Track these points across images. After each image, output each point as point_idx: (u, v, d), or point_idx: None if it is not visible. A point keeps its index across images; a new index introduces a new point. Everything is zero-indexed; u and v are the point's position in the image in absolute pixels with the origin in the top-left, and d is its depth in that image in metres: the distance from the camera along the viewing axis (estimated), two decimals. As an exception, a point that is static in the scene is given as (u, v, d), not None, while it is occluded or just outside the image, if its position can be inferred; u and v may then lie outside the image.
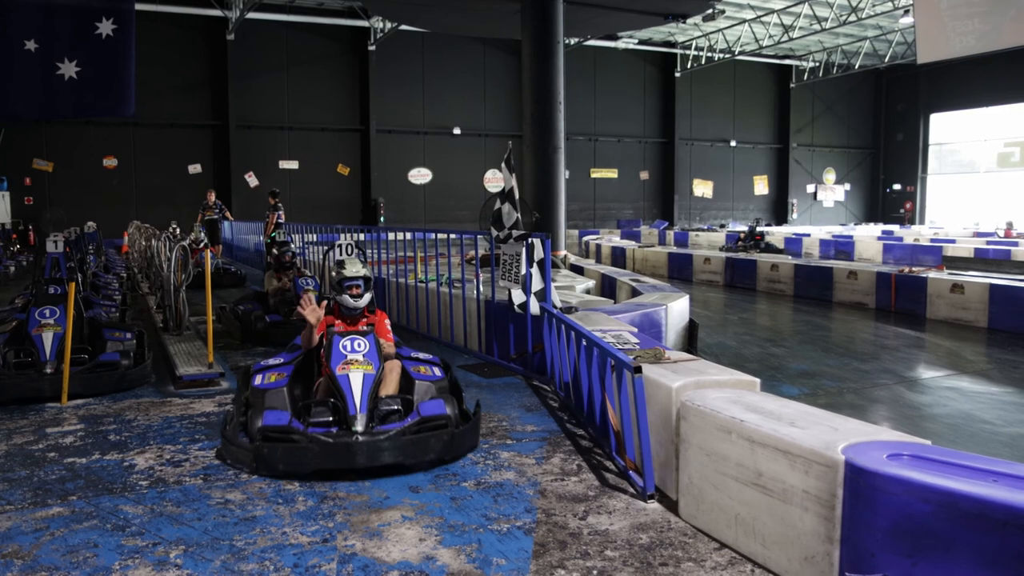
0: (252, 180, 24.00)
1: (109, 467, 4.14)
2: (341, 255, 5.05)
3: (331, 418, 4.07)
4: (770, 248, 17.63)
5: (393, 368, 4.47)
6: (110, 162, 22.70)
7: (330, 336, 4.37)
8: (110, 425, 4.95)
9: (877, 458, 2.48)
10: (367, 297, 4.70)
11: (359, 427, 3.95)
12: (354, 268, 4.71)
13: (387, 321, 4.90)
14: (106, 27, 8.34)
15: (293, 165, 24.89)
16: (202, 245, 12.35)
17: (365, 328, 4.54)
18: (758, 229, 18.91)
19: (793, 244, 20.09)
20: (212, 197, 17.89)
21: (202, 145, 23.84)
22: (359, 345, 4.32)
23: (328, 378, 4.24)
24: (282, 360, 4.72)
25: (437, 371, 4.62)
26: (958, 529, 2.19)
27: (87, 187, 22.27)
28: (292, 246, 8.93)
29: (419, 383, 4.44)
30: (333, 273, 4.81)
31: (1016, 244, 18.77)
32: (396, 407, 4.16)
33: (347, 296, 4.65)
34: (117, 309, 8.83)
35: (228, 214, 18.93)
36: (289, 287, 8.31)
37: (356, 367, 4.18)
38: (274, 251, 8.79)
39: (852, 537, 2.50)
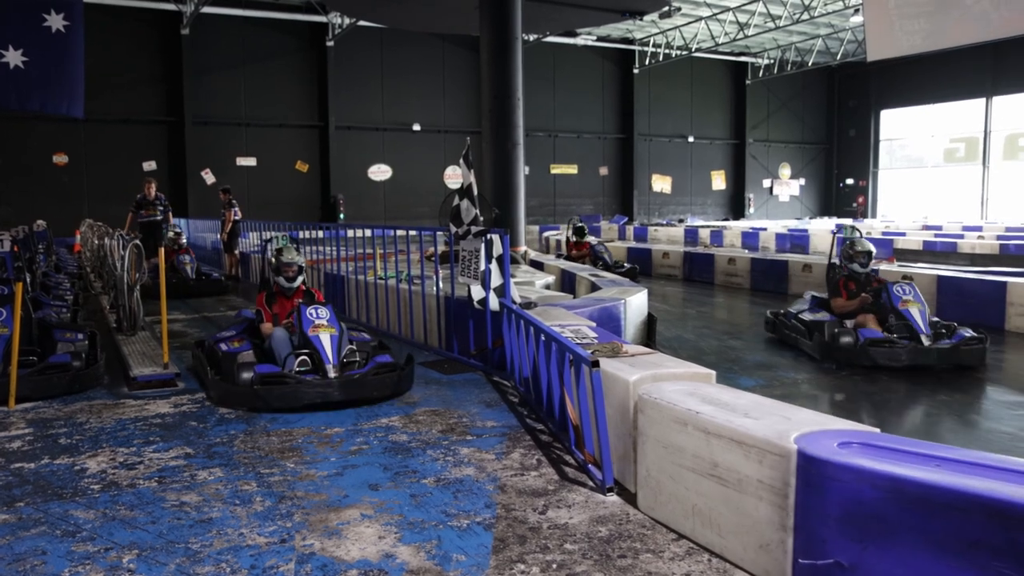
0: (208, 177, 23.56)
1: (59, 471, 4.04)
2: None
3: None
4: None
5: None
6: (60, 159, 22.09)
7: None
8: (60, 428, 4.84)
9: (828, 447, 2.53)
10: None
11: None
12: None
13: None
14: (56, 21, 8.09)
15: (251, 162, 24.47)
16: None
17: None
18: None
19: (750, 238, 20.40)
20: (152, 190, 13.31)
21: (157, 141, 23.33)
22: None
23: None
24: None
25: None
26: (904, 514, 2.25)
27: (36, 184, 21.65)
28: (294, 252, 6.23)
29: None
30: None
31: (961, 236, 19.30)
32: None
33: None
34: (68, 309, 8.62)
35: (171, 216, 13.97)
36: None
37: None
38: (272, 260, 6.21)
39: (805, 525, 2.55)
